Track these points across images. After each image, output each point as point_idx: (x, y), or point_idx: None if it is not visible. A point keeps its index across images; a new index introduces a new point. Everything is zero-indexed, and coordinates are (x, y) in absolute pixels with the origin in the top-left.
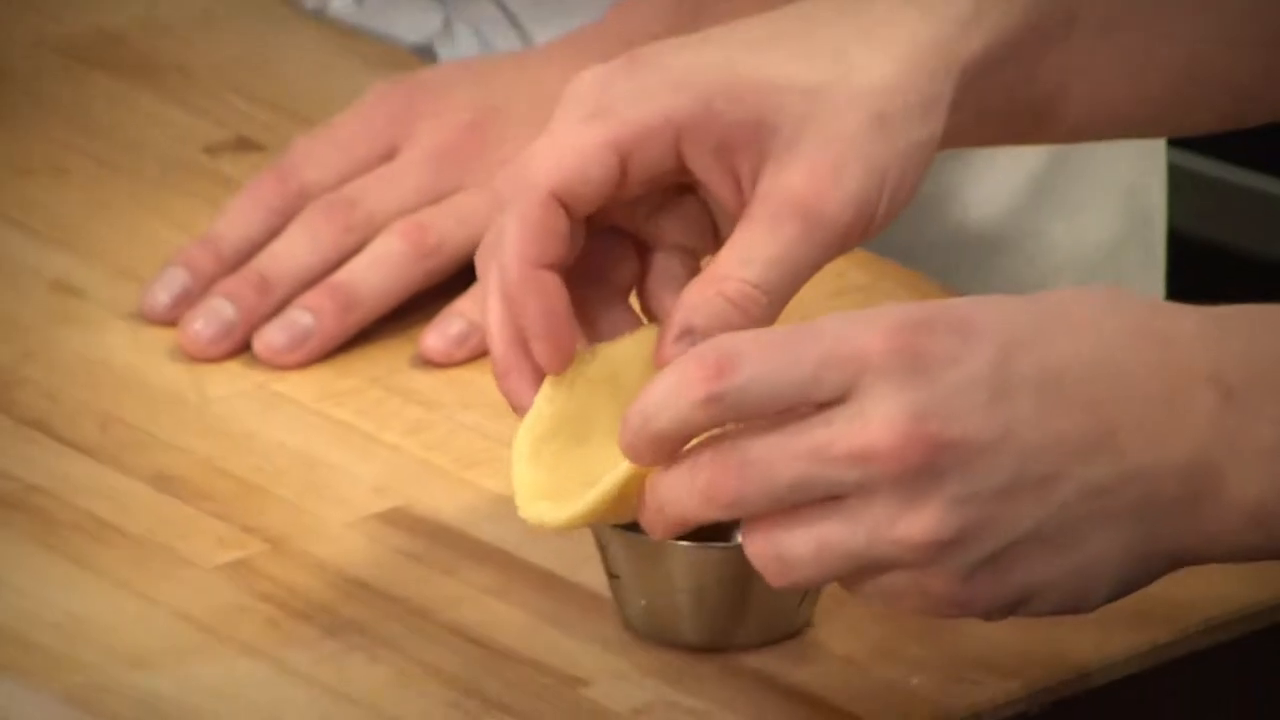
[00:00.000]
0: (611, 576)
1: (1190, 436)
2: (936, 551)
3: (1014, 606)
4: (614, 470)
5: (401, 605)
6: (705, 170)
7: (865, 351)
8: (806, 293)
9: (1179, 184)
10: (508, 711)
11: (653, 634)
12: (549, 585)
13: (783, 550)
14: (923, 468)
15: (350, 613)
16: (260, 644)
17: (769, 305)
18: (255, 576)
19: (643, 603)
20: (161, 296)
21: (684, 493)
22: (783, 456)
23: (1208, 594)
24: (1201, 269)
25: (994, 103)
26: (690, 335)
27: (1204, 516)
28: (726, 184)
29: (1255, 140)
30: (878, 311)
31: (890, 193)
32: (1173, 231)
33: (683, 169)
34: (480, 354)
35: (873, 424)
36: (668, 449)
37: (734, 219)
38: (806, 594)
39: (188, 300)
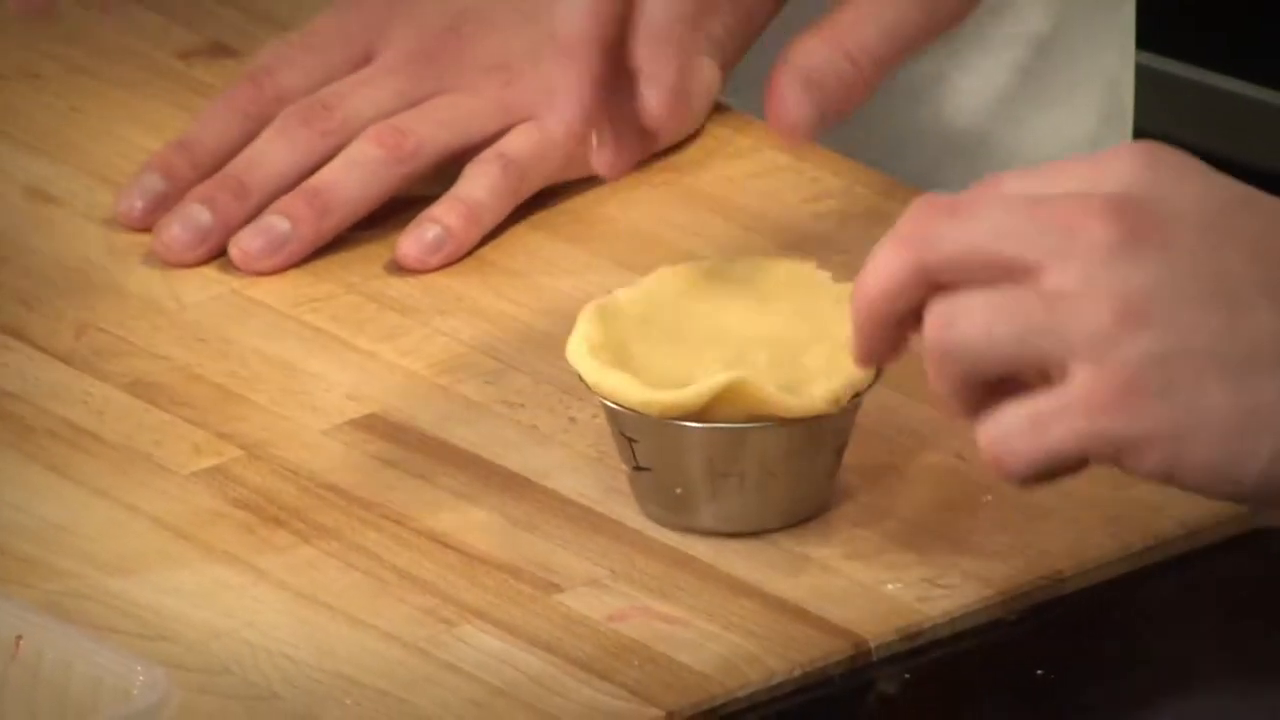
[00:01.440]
0: (639, 469)
1: None
2: (1114, 329)
3: (1171, 439)
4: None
5: (376, 511)
6: None
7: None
8: (781, 199)
9: (1145, 85)
10: (483, 617)
11: (680, 523)
12: (525, 491)
13: (954, 306)
14: (1130, 237)
15: (325, 519)
16: (236, 550)
17: (879, 69)
18: (231, 483)
19: (678, 491)
20: (137, 202)
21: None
22: (991, 200)
23: (1183, 499)
24: None
25: None
26: (810, 88)
27: None
28: None
29: (1220, 42)
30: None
31: None
32: (1139, 133)
33: None
34: (454, 260)
35: (1082, 199)
36: (881, 321)
37: None
38: (834, 473)
39: (163, 206)
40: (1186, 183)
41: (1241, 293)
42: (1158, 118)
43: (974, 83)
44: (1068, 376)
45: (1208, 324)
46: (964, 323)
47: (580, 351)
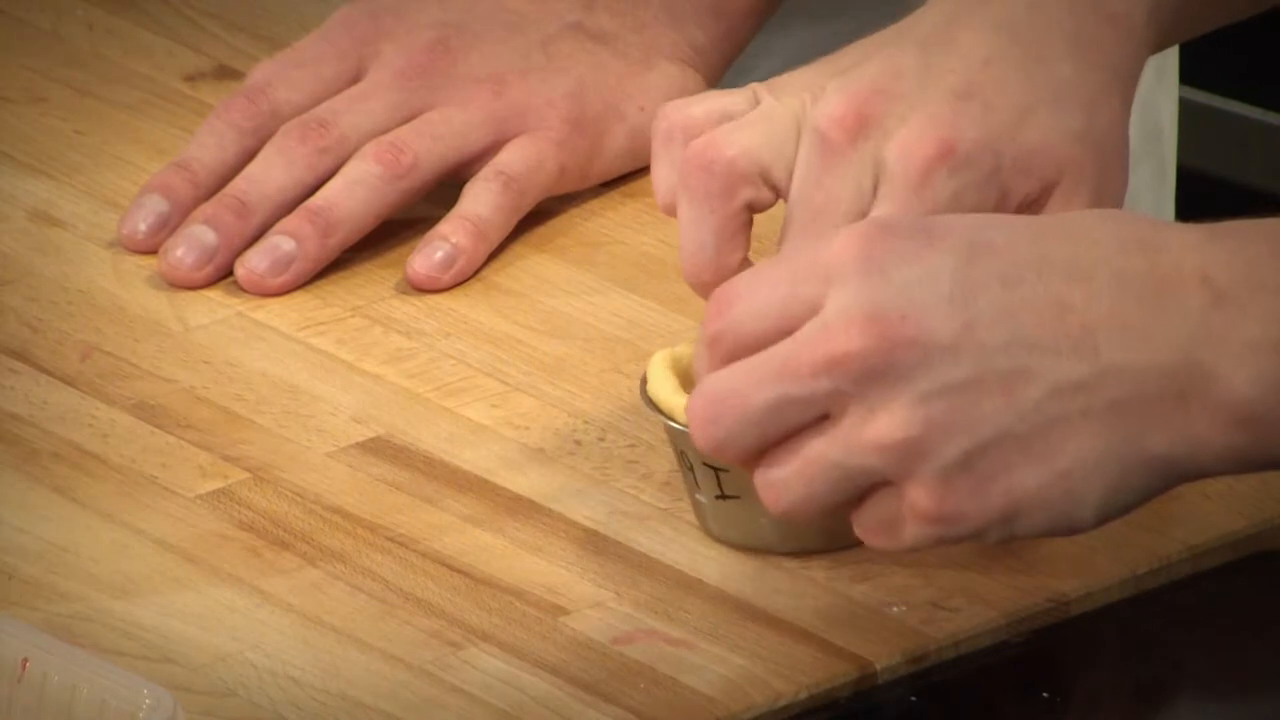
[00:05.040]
0: (722, 498)
1: (1176, 335)
2: (909, 451)
3: (1002, 523)
4: None
5: (382, 534)
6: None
7: (829, 260)
8: None
9: (1189, 120)
10: (488, 640)
11: (759, 547)
12: (530, 514)
13: (770, 474)
14: (884, 367)
15: (331, 542)
16: (242, 573)
17: None
18: (236, 506)
19: (763, 520)
20: (140, 225)
21: (696, 437)
22: (749, 384)
23: (1188, 522)
24: (1210, 204)
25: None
26: None
27: (1190, 417)
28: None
29: (1264, 77)
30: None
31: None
32: (1182, 167)
33: None
34: (466, 277)
35: (833, 328)
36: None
37: None
38: None
39: (166, 227)
40: (911, 262)
41: (1007, 362)
42: (1201, 152)
43: None
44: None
45: (988, 411)
46: (789, 495)
47: (667, 389)
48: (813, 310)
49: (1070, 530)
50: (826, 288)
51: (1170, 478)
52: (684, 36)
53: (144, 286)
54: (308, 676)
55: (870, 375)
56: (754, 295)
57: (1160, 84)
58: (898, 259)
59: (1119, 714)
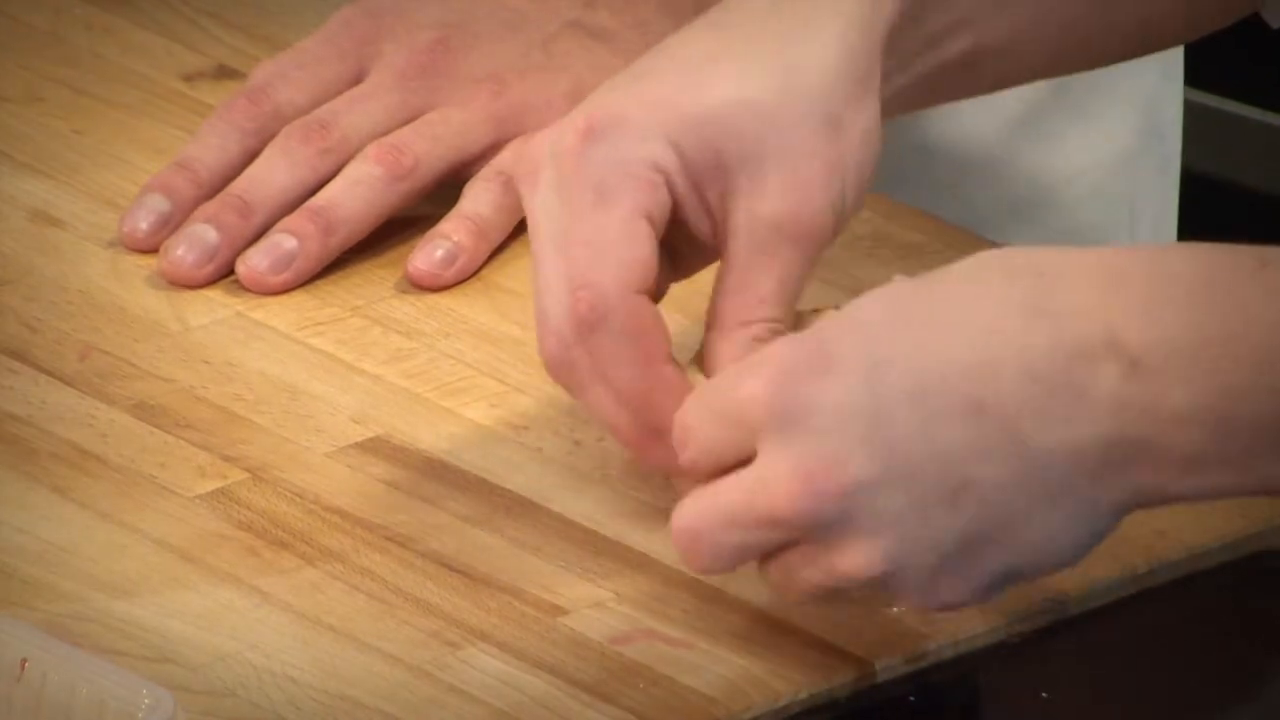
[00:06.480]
0: None
1: (1098, 413)
2: (883, 579)
3: (992, 591)
4: None
5: (381, 534)
6: (688, 205)
7: (746, 404)
8: None
9: (1193, 121)
10: (487, 640)
11: None
12: (529, 514)
13: (765, 573)
14: (826, 518)
15: (330, 542)
16: (241, 573)
17: (785, 330)
18: (235, 505)
19: None
20: (141, 224)
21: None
22: (715, 527)
23: (1186, 523)
24: (1213, 206)
25: (918, 64)
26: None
27: (1138, 476)
28: (702, 216)
29: (1270, 79)
30: (767, 354)
31: (854, 183)
32: (1186, 169)
33: (677, 213)
34: (467, 276)
35: (772, 488)
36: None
37: (705, 248)
38: None
39: (167, 226)
40: (820, 401)
41: (939, 478)
42: (1205, 154)
43: (1002, 96)
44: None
45: (941, 525)
46: (783, 592)
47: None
48: (746, 452)
49: (1061, 569)
50: (756, 435)
51: (1143, 506)
52: None
53: (143, 286)
54: (306, 676)
55: (816, 526)
56: (701, 432)
57: (1165, 85)
58: (806, 403)
59: (1117, 714)
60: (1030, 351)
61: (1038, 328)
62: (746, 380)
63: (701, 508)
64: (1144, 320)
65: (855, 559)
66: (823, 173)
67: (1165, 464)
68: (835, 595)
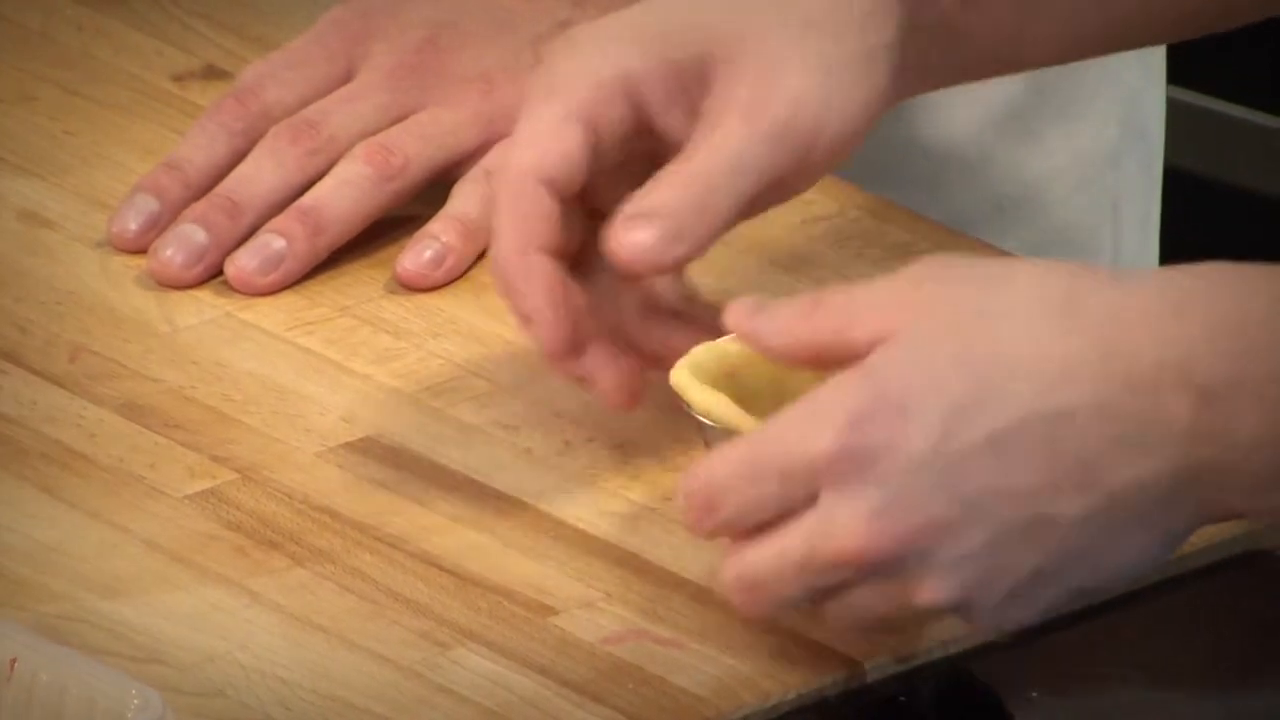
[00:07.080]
0: None
1: (1172, 446)
2: (956, 609)
3: (1063, 605)
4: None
5: (371, 534)
6: (664, 117)
7: (818, 460)
8: (775, 223)
9: (1176, 119)
10: (477, 640)
11: None
12: (519, 513)
13: (827, 615)
14: (901, 557)
15: (320, 542)
16: (230, 573)
17: (727, 200)
18: (225, 506)
19: None
20: (130, 224)
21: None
22: (776, 575)
23: None
24: (1197, 203)
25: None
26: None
27: (1210, 501)
28: (687, 125)
29: (1252, 77)
30: (828, 402)
31: (835, 96)
32: (1169, 167)
33: (648, 126)
34: (457, 276)
35: (839, 533)
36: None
37: None
38: None
39: (156, 227)
40: (895, 452)
41: (1016, 516)
42: (1188, 152)
43: (985, 93)
44: None
45: (1018, 558)
46: (840, 625)
47: (695, 386)
48: (808, 501)
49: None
50: (817, 483)
51: (1210, 521)
52: None
53: (133, 287)
54: (296, 676)
55: (889, 564)
56: (743, 493)
57: (1147, 83)
58: (883, 450)
59: (1109, 713)
60: (1104, 393)
61: (1112, 371)
62: (812, 435)
63: (761, 561)
64: (1210, 349)
65: (929, 593)
66: (792, 65)
67: (1235, 487)
68: (894, 621)
